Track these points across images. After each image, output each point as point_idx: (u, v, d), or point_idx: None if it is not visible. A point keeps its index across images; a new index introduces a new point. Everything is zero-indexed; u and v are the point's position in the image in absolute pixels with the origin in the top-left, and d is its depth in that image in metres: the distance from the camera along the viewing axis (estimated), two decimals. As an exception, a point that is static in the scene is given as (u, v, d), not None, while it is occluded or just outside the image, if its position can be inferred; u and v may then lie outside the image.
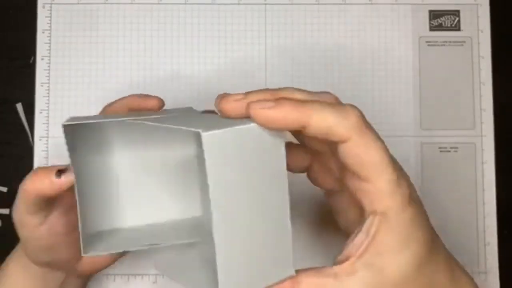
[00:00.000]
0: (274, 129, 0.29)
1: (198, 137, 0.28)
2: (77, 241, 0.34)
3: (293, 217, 0.31)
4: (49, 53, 0.50)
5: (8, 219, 0.49)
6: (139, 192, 0.38)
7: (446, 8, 0.51)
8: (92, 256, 0.36)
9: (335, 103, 0.31)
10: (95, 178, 0.36)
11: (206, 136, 0.27)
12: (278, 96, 0.30)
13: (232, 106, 0.30)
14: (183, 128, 0.29)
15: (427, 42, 0.51)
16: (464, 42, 0.51)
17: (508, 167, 0.50)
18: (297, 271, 0.31)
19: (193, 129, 0.28)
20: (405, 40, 0.51)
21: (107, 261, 0.41)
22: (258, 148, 0.30)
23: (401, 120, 0.50)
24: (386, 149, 0.30)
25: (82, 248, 0.34)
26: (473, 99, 0.50)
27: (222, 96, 0.31)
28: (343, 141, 0.29)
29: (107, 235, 0.36)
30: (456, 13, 0.51)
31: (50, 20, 0.51)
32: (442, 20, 0.51)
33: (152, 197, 0.38)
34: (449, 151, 0.50)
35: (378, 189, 0.29)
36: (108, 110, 0.40)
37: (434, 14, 0.51)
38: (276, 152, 0.30)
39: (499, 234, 0.49)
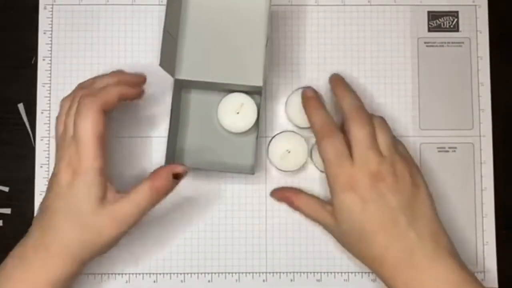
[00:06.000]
0: None
1: None
2: None
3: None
4: (51, 53, 0.51)
5: (8, 218, 0.49)
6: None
7: (444, 9, 0.51)
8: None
9: None
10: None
11: None
12: None
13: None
14: None
15: (425, 43, 0.51)
16: (463, 43, 0.51)
17: (507, 167, 0.50)
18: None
19: None
20: (403, 41, 0.51)
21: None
22: None
23: (400, 120, 0.50)
24: None
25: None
26: (471, 100, 0.51)
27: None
28: None
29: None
30: (455, 14, 0.51)
31: (51, 21, 0.51)
32: (441, 21, 0.51)
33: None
34: (447, 151, 0.50)
35: None
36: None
37: (433, 15, 0.51)
38: None
39: (497, 234, 0.50)
